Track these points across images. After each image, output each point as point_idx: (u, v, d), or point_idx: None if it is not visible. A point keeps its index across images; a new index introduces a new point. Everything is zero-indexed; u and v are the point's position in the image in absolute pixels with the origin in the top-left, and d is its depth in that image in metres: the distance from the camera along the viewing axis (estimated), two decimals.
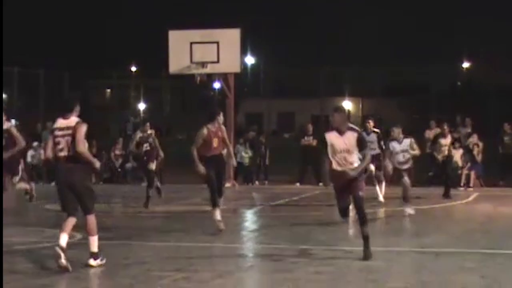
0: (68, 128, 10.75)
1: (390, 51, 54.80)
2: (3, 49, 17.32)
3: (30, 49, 44.94)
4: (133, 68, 49.57)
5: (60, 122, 10.80)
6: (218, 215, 14.41)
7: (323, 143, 11.70)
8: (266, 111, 39.63)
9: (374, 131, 19.97)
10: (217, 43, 25.97)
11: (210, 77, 28.14)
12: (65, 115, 10.92)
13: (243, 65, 30.98)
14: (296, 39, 47.71)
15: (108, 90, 48.08)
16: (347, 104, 44.40)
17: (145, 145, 18.38)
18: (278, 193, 24.76)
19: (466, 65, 55.54)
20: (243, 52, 29.78)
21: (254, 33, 29.17)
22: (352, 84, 45.71)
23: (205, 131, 14.72)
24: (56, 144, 10.75)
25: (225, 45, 26.15)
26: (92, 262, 10.83)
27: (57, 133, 10.73)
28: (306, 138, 28.08)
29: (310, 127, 28.50)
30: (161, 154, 19.70)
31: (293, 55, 46.14)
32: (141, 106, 49.19)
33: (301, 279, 10.76)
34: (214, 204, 14.54)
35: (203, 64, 26.05)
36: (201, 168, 14.61)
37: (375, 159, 18.93)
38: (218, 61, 26.08)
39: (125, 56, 46.85)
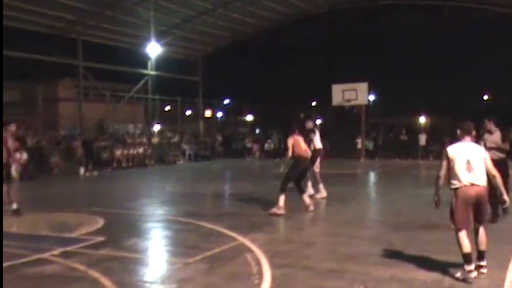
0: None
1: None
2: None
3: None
4: (314, 103, 48.93)
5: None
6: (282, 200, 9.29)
7: None
8: (378, 122, 38.42)
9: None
10: (356, 90, 26.36)
11: (353, 106, 28.40)
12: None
13: (368, 99, 30.64)
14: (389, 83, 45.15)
15: (302, 114, 48.83)
16: (422, 119, 41.83)
17: None
18: (387, 164, 24.76)
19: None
20: (369, 93, 29.44)
21: (374, 81, 28.88)
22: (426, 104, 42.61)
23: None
24: None
25: (360, 91, 26.71)
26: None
27: None
28: (402, 136, 28.56)
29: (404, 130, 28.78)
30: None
31: (389, 91, 43.86)
32: (318, 121, 48.95)
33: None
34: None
35: (349, 100, 26.36)
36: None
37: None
38: (356, 99, 26.38)
39: (309, 97, 46.43)
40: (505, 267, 5.72)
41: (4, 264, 6.02)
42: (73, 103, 26.44)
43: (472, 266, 5.44)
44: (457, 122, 6.10)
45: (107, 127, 27.28)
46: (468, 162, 5.65)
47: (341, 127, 37.78)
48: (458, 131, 5.97)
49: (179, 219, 9.35)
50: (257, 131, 39.46)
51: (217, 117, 40.86)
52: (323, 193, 11.62)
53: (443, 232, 6.72)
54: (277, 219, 8.89)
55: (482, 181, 5.65)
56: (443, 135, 24.94)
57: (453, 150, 5.80)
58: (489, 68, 47.17)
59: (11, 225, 8.71)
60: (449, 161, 5.72)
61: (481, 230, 5.70)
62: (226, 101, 43.66)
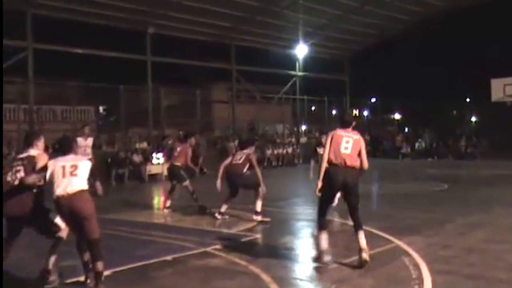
0: None
1: None
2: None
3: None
4: (467, 99, 44.49)
5: None
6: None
7: None
8: None
9: None
10: None
11: None
12: None
13: None
14: None
15: (454, 112, 44.17)
16: None
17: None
18: None
19: None
20: None
21: None
22: None
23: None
24: None
25: None
26: None
27: None
28: None
29: None
30: None
31: None
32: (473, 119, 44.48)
33: None
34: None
35: (510, 96, 24.26)
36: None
37: None
38: None
39: (461, 93, 42.45)
40: None
41: (175, 255, 6.57)
42: (226, 105, 27.85)
43: None
44: None
45: (257, 127, 28.38)
46: None
47: (501, 124, 34.80)
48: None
49: (330, 219, 9.19)
50: (406, 130, 38.03)
51: (363, 116, 40.23)
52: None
53: None
54: (434, 223, 8.42)
55: None
56: None
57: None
58: None
59: (178, 220, 9.60)
60: None
61: None
62: (373, 100, 42.80)
